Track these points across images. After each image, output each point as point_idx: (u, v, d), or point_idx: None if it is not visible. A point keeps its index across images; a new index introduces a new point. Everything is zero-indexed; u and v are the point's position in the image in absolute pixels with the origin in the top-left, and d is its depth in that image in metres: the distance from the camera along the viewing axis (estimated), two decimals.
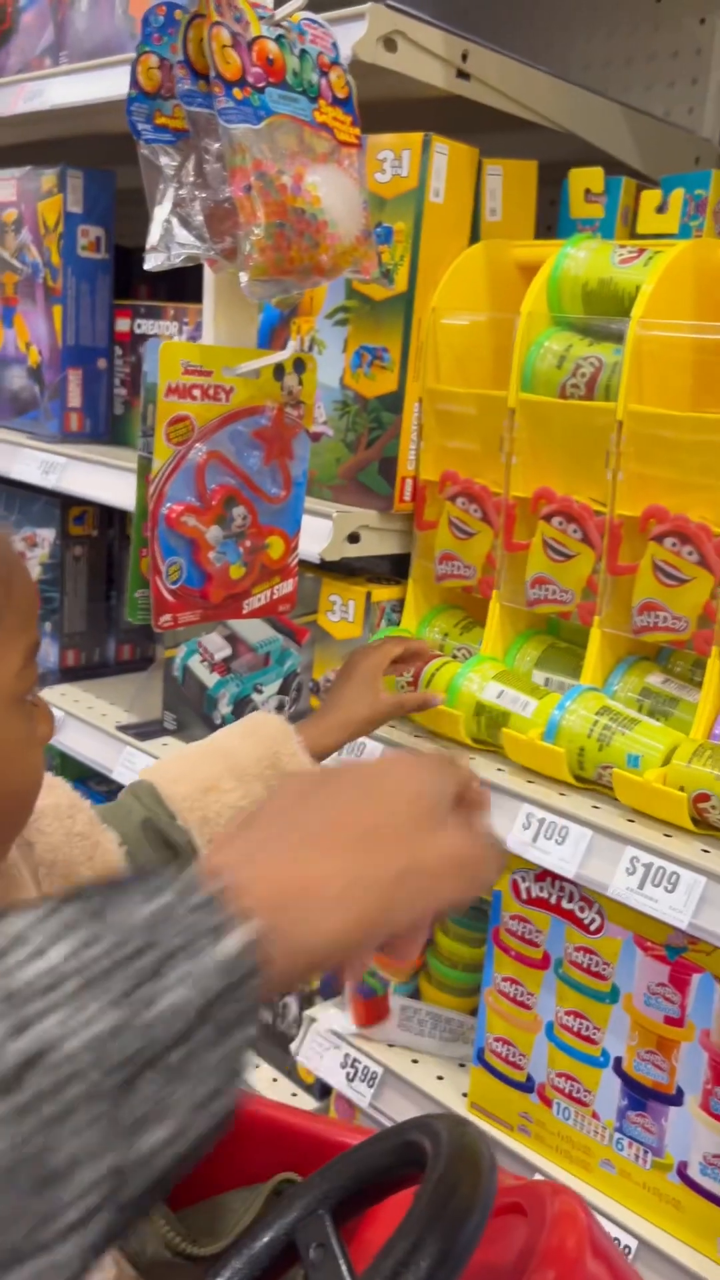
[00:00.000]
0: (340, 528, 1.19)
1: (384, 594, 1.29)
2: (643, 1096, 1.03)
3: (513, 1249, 0.67)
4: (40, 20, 1.54)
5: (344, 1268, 0.64)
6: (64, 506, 1.71)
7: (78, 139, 1.71)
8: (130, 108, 0.96)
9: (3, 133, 1.69)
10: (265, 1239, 0.68)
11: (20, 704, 0.65)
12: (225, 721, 1.46)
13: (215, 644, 1.47)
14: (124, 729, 1.55)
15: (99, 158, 1.68)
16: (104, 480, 1.49)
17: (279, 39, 0.94)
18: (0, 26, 1.61)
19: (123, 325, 1.64)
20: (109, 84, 1.40)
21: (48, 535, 1.74)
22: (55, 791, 0.82)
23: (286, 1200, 0.68)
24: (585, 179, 1.25)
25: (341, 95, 0.99)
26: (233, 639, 1.45)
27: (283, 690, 1.39)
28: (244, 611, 1.12)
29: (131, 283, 1.90)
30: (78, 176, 1.56)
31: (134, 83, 0.96)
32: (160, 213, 0.96)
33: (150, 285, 1.96)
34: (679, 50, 1.56)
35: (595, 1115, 1.07)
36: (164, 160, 0.97)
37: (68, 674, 1.78)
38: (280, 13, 0.94)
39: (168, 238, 0.96)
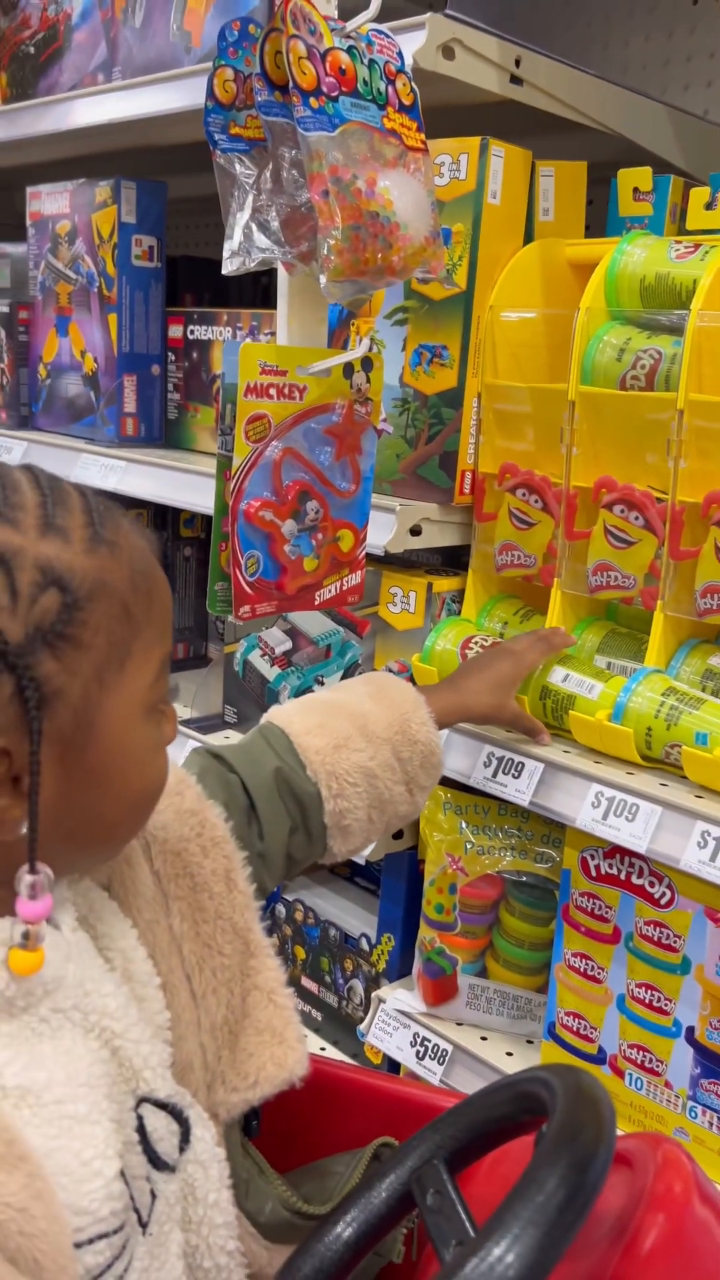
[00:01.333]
0: (403, 521, 1.23)
1: (444, 585, 1.32)
2: (716, 1064, 1.06)
3: (621, 1196, 0.70)
4: (93, 38, 1.58)
5: (462, 1212, 0.67)
6: None
7: (122, 151, 1.76)
8: (207, 119, 1.00)
9: (57, 147, 1.74)
10: (382, 1188, 0.71)
11: (153, 712, 0.68)
12: None
13: (275, 638, 1.50)
14: (186, 723, 1.59)
15: (143, 169, 1.72)
16: (161, 483, 1.53)
17: (350, 49, 0.98)
18: (53, 45, 1.66)
19: (175, 331, 1.68)
20: (163, 98, 1.44)
21: None
22: None
23: (402, 1151, 0.72)
24: (634, 178, 1.29)
25: (407, 102, 1.03)
26: (293, 633, 1.49)
27: None
28: (316, 602, 1.16)
29: (177, 291, 1.95)
30: (131, 188, 1.61)
31: (210, 95, 1.00)
32: (239, 219, 1.00)
33: (195, 293, 2.01)
34: (716, 51, 1.60)
35: (668, 1085, 1.10)
36: (239, 169, 1.01)
37: None
38: (352, 25, 0.98)
39: (247, 243, 0.99)
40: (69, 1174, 0.63)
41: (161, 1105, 0.71)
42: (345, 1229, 0.71)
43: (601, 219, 1.36)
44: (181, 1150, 0.73)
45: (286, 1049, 0.79)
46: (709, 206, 1.23)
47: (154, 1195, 0.71)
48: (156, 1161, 0.71)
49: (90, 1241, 0.63)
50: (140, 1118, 0.70)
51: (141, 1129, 0.70)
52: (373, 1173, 0.73)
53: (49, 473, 0.67)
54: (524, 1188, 0.58)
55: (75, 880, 0.74)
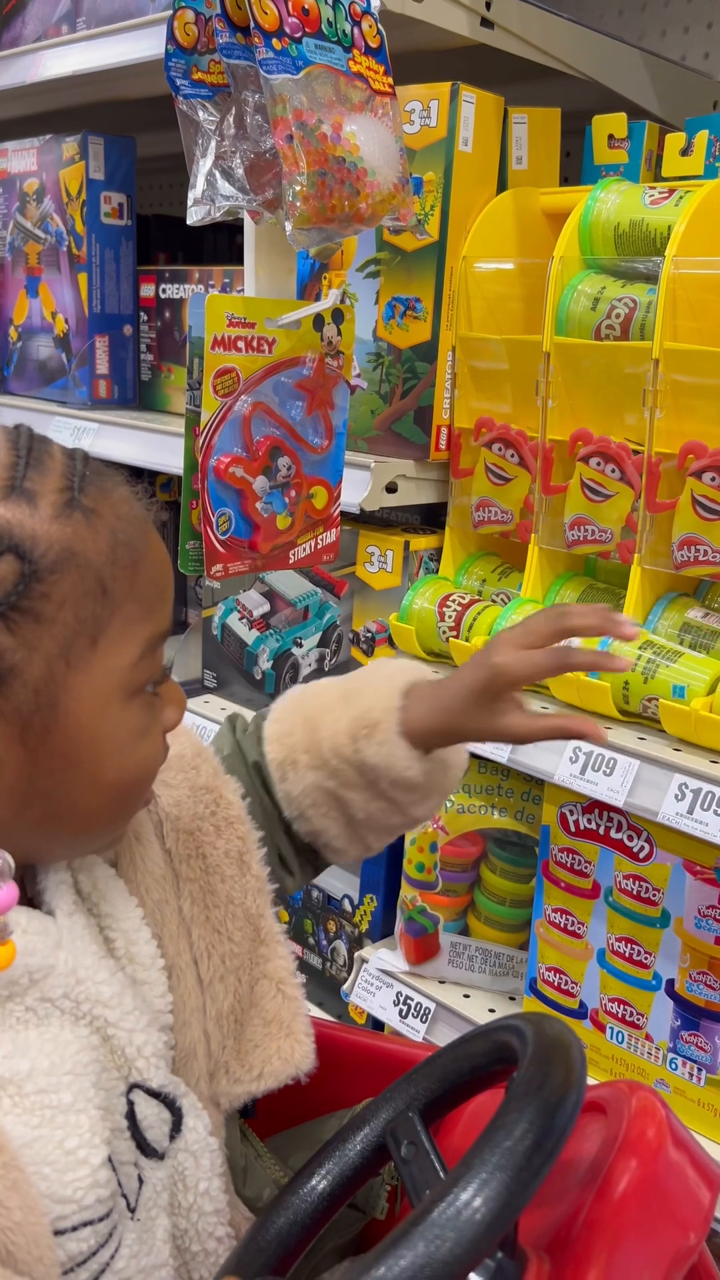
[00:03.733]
0: (378, 478, 1.22)
1: (421, 543, 1.31)
2: (696, 1016, 1.07)
3: (594, 1143, 0.70)
4: None
5: (436, 1162, 0.67)
6: None
7: (91, 108, 1.72)
8: (168, 64, 0.98)
9: (21, 103, 1.70)
10: (357, 1140, 0.71)
11: (137, 696, 0.64)
12: (266, 677, 1.49)
13: (253, 600, 1.49)
14: None
15: (113, 126, 1.69)
16: (136, 444, 1.51)
17: None
18: None
19: (148, 291, 1.65)
20: (128, 48, 1.41)
21: None
22: (180, 740, 0.78)
23: (376, 1103, 0.71)
24: (608, 125, 1.26)
25: (374, 44, 1.00)
26: (270, 595, 1.47)
27: (323, 643, 1.42)
28: (290, 561, 1.14)
29: (150, 251, 1.91)
30: (99, 143, 1.57)
31: (171, 38, 0.98)
32: (202, 166, 0.98)
33: (168, 253, 1.98)
34: None
35: (649, 1038, 1.11)
36: (203, 115, 0.99)
37: None
38: None
39: (211, 191, 0.97)
40: (51, 1163, 0.61)
41: (153, 1094, 0.69)
42: (320, 1181, 0.71)
43: (577, 171, 1.34)
44: (172, 1139, 0.71)
45: (294, 1043, 0.76)
46: (684, 153, 1.21)
47: (141, 1181, 0.69)
48: (145, 1148, 0.69)
49: (74, 1229, 0.62)
50: (131, 1103, 0.68)
51: (131, 1115, 0.68)
52: (348, 1125, 0.73)
53: (38, 434, 0.63)
54: (492, 1133, 0.57)
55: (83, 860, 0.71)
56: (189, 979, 0.74)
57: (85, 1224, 0.63)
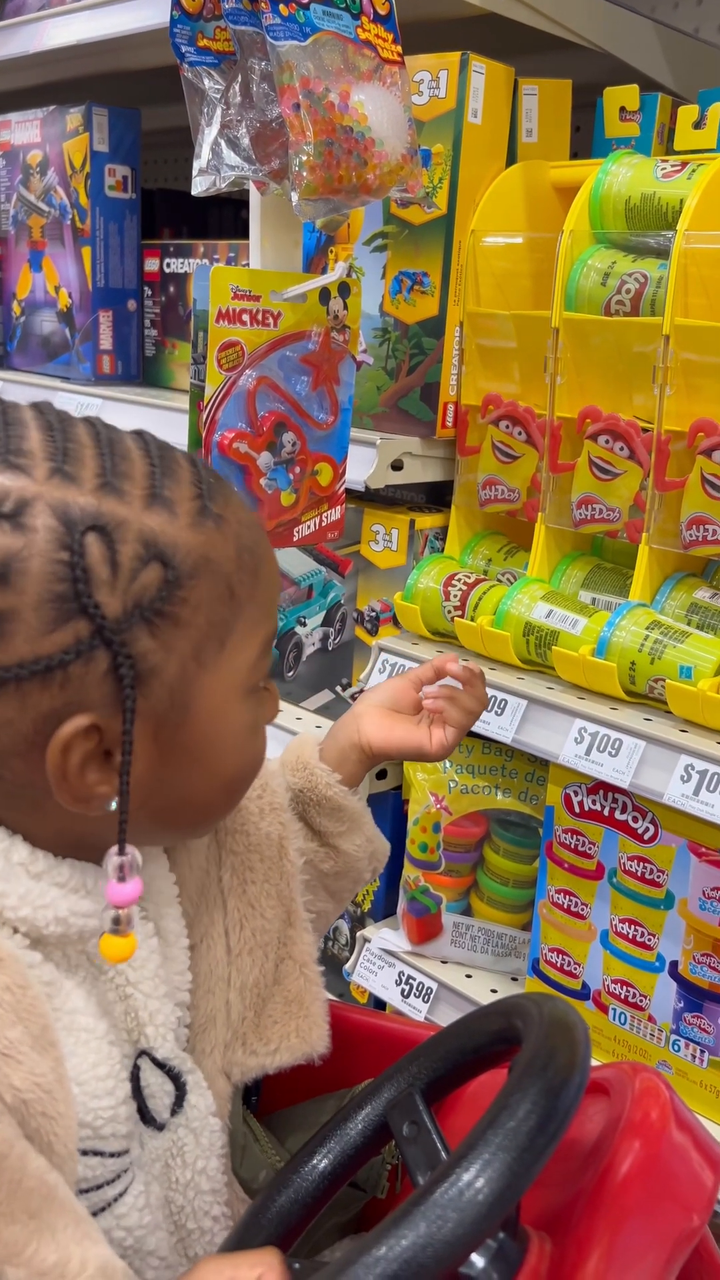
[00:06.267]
0: (384, 455, 1.20)
1: (427, 521, 1.30)
2: (699, 998, 1.06)
3: (598, 1125, 0.70)
4: None
5: (437, 1142, 0.66)
6: None
7: (96, 80, 1.70)
8: (174, 30, 0.96)
9: (25, 73, 1.68)
10: (359, 1119, 0.71)
11: (254, 693, 0.67)
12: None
13: None
14: None
15: (118, 98, 1.67)
16: (139, 420, 1.50)
17: None
18: None
19: (152, 265, 1.63)
20: (134, 16, 1.39)
21: None
22: None
23: (378, 1082, 0.71)
24: (620, 97, 1.24)
25: (383, 12, 0.99)
26: None
27: (326, 622, 1.41)
28: (294, 539, 1.13)
29: (154, 225, 1.89)
30: (103, 114, 1.55)
31: (176, 4, 0.96)
32: (208, 136, 0.96)
33: (173, 227, 1.96)
34: None
35: (652, 1019, 1.10)
36: (208, 83, 0.97)
37: None
38: None
39: (216, 161, 0.96)
40: (82, 1083, 0.64)
41: (159, 1064, 0.71)
42: (321, 1160, 0.71)
43: (588, 145, 1.32)
44: (174, 1113, 0.72)
45: (311, 1023, 0.78)
46: (697, 125, 1.19)
47: (142, 1147, 0.71)
48: (145, 1116, 0.71)
49: (84, 1154, 0.64)
50: (137, 1068, 0.70)
51: (135, 1080, 0.70)
52: (350, 1104, 0.72)
53: (160, 440, 0.65)
54: (496, 1113, 0.57)
55: None
56: (219, 948, 0.77)
57: (95, 1153, 0.65)
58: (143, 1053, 0.70)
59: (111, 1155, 0.67)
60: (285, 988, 0.79)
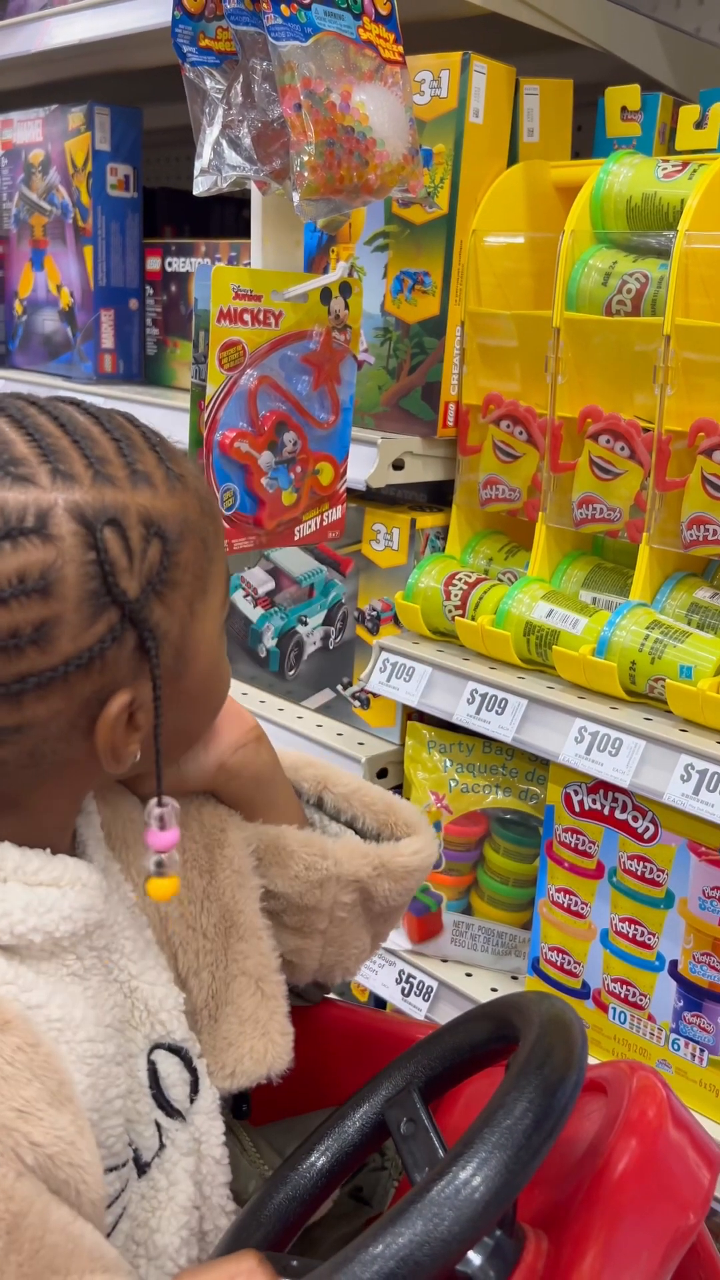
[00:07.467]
0: (385, 454, 1.21)
1: (428, 521, 1.30)
2: (699, 997, 1.06)
3: (595, 1123, 0.70)
4: None
5: (435, 1139, 0.67)
6: None
7: (98, 79, 1.70)
8: (175, 30, 0.96)
9: (27, 72, 1.68)
10: (356, 1117, 0.71)
11: (223, 627, 0.72)
12: (270, 654, 1.49)
13: (258, 578, 1.48)
14: None
15: (120, 97, 1.67)
16: (141, 419, 1.50)
17: None
18: None
19: (153, 264, 1.64)
20: (135, 15, 1.39)
21: None
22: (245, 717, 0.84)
23: (376, 1080, 0.71)
24: (621, 96, 1.24)
25: (384, 12, 0.99)
26: (275, 572, 1.47)
27: (327, 621, 1.41)
28: (295, 538, 1.14)
29: (156, 224, 1.90)
30: (105, 113, 1.56)
31: (178, 4, 0.96)
32: (209, 136, 0.96)
33: (174, 226, 1.96)
34: None
35: (651, 1018, 1.11)
36: (210, 83, 0.97)
37: None
38: None
39: (218, 160, 0.96)
40: (96, 1110, 0.65)
41: (174, 1050, 0.71)
42: (319, 1158, 0.71)
43: (589, 145, 1.32)
44: (191, 1100, 0.72)
45: (268, 1043, 0.75)
46: (699, 125, 1.19)
47: (163, 1144, 0.71)
48: (168, 1108, 0.71)
49: (105, 1173, 0.65)
50: (153, 1063, 0.71)
51: (154, 1073, 0.70)
52: (347, 1103, 0.72)
53: (97, 407, 0.67)
54: (492, 1112, 0.57)
55: (112, 799, 0.75)
56: (165, 976, 0.74)
57: (111, 1169, 0.67)
58: (156, 1046, 0.71)
59: (119, 1167, 0.67)
60: (239, 1006, 0.76)
